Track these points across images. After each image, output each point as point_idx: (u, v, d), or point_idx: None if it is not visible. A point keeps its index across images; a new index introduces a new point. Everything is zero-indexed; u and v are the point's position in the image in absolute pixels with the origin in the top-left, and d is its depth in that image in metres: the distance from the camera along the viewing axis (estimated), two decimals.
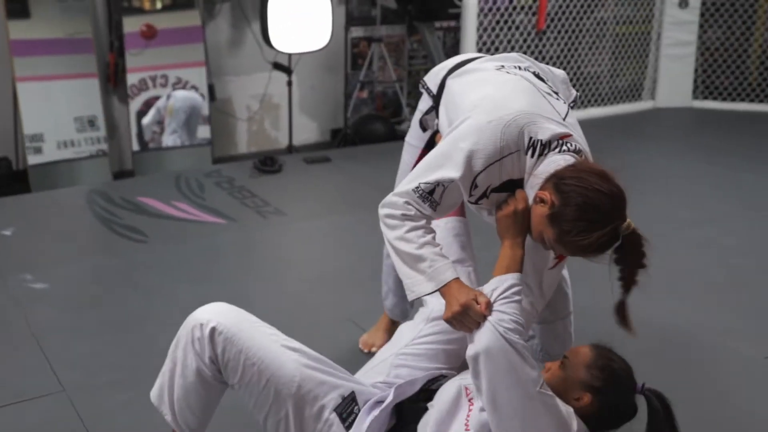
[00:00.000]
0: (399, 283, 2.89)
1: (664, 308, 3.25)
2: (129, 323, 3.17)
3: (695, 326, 3.22)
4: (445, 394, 2.09)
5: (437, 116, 2.39)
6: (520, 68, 2.23)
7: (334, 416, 2.07)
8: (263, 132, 6.23)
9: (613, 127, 6.24)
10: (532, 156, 2.00)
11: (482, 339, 1.92)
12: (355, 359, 2.83)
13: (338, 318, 3.20)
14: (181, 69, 5.40)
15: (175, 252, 3.80)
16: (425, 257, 2.01)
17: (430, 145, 2.53)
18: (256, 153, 5.91)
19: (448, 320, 1.99)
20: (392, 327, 3.03)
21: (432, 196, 2.03)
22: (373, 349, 2.97)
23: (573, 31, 6.41)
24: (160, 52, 5.33)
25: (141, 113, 5.31)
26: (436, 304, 2.31)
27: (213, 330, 2.05)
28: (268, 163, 4.92)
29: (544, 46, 6.40)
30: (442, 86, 2.34)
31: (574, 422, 1.99)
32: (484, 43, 6.06)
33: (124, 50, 5.25)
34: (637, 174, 5.10)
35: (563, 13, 6.34)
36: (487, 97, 2.08)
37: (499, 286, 1.99)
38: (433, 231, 2.07)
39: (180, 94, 5.39)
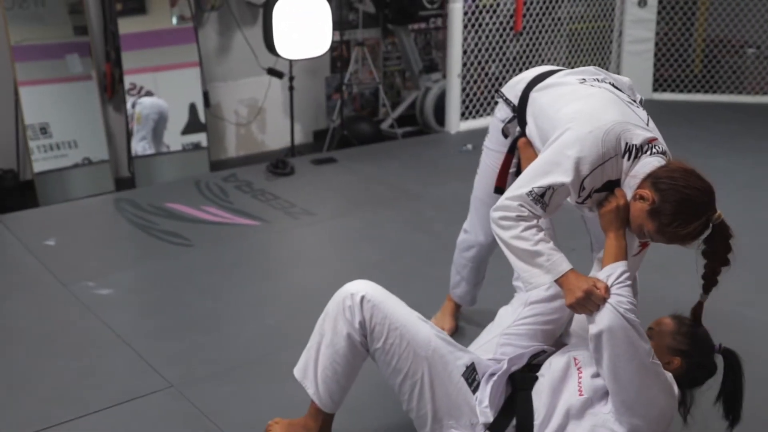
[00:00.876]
0: (474, 272, 3.19)
1: (677, 283, 3.56)
2: (207, 322, 3.37)
3: (712, 299, 3.59)
4: (555, 364, 2.42)
5: (519, 125, 2.71)
6: (598, 80, 2.56)
7: (461, 380, 2.39)
8: (251, 136, 6.42)
9: None
10: (629, 159, 2.32)
11: (604, 319, 2.23)
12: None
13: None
14: (177, 69, 5.53)
15: (223, 253, 4.00)
16: (542, 252, 2.30)
17: (512, 149, 2.83)
18: (245, 157, 6.11)
19: (571, 305, 2.29)
20: (457, 311, 3.33)
21: (543, 199, 2.31)
22: None
23: (538, 30, 6.76)
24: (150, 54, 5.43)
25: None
26: (532, 291, 2.63)
27: (362, 298, 2.38)
28: (280, 165, 5.14)
29: (514, 46, 6.74)
30: (524, 98, 2.66)
31: (676, 386, 2.32)
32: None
33: (121, 60, 5.35)
34: None
35: (529, 12, 6.70)
36: (582, 110, 2.39)
37: (612, 272, 2.29)
38: (542, 229, 2.38)
39: (147, 101, 5.48)
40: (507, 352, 2.56)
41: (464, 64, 6.34)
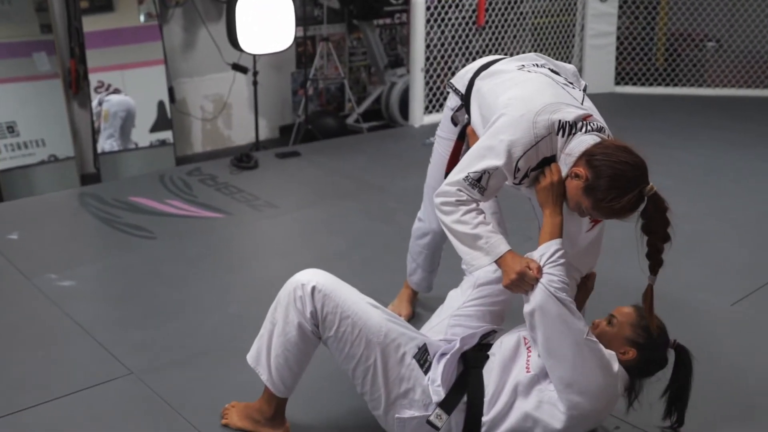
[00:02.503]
0: (429, 259, 3.26)
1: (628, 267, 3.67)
2: (170, 311, 3.41)
3: (663, 282, 3.68)
4: (506, 343, 2.50)
5: (467, 113, 2.80)
6: (537, 66, 2.65)
7: (413, 362, 2.46)
8: (216, 131, 6.45)
9: None
10: (563, 136, 2.40)
11: (536, 298, 2.34)
12: None
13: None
14: (140, 68, 5.56)
15: (187, 245, 4.03)
16: (481, 235, 2.40)
17: (462, 136, 2.91)
18: (211, 152, 6.15)
19: (507, 286, 2.39)
20: (414, 297, 3.40)
21: (480, 183, 2.41)
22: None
23: (501, 24, 6.85)
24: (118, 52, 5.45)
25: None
26: (480, 273, 2.70)
27: (314, 288, 2.43)
28: (244, 159, 5.17)
29: (477, 40, 6.83)
30: (470, 87, 2.75)
31: (616, 364, 2.42)
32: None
33: (86, 57, 5.37)
34: None
35: (492, 7, 6.78)
36: (517, 95, 2.48)
37: (546, 252, 2.39)
38: (483, 212, 2.46)
39: (115, 98, 5.49)
40: (457, 333, 2.64)
41: (428, 59, 6.41)
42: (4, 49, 5.03)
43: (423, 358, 2.47)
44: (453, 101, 2.88)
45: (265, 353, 2.51)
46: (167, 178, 4.94)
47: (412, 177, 5.01)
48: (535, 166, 2.43)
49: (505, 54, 6.88)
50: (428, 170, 3.09)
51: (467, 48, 6.73)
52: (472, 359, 2.51)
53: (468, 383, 2.46)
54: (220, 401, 2.74)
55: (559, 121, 2.38)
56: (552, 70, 2.64)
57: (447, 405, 2.42)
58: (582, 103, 2.49)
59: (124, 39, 5.45)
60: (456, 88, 2.83)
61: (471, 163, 2.43)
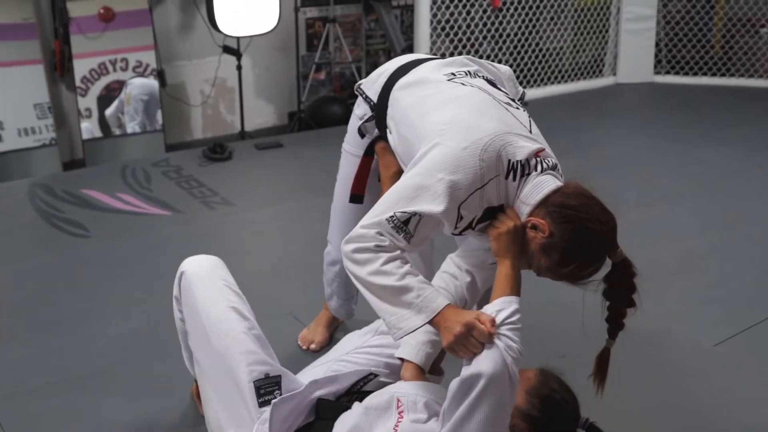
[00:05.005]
0: (344, 287, 2.83)
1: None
2: (64, 324, 3.07)
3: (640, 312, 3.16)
4: (375, 399, 2.02)
5: (378, 128, 2.29)
6: (470, 74, 2.13)
7: (251, 387, 2.03)
8: (218, 117, 6.12)
9: (573, 104, 6.18)
10: (514, 179, 1.90)
11: (489, 363, 1.78)
12: (294, 358, 2.77)
13: (278, 312, 3.12)
14: (132, 53, 5.28)
15: (117, 247, 3.70)
16: (410, 287, 1.86)
17: (369, 152, 2.44)
18: (212, 138, 5.80)
19: (450, 345, 1.83)
20: (333, 323, 2.98)
21: (407, 227, 1.88)
22: (312, 346, 2.91)
23: (531, 7, 6.31)
24: (109, 37, 5.20)
25: (102, 98, 5.19)
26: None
27: (182, 274, 2.21)
28: (217, 150, 4.82)
29: (501, 23, 6.31)
30: (384, 95, 2.21)
31: None
32: (439, 22, 5.95)
33: (70, 37, 5.11)
34: (593, 153, 5.05)
35: None
36: (454, 120, 1.95)
37: (504, 308, 1.87)
38: (407, 261, 1.93)
39: (137, 81, 5.27)
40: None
41: (434, 43, 5.90)
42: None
43: (268, 389, 2.04)
44: (361, 109, 2.36)
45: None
46: (129, 170, 4.62)
47: None
48: (481, 215, 1.93)
49: (525, 38, 6.51)
50: (335, 189, 2.63)
51: (480, 32, 6.22)
52: (323, 408, 2.06)
53: None
54: None
55: (509, 161, 1.89)
56: (488, 80, 2.13)
57: None
58: (530, 130, 1.98)
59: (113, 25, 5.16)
60: (366, 96, 2.30)
61: (399, 201, 1.89)
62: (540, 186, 1.90)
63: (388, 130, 2.20)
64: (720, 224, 3.99)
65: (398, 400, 1.98)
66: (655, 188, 4.45)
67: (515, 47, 6.37)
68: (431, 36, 5.79)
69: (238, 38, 5.16)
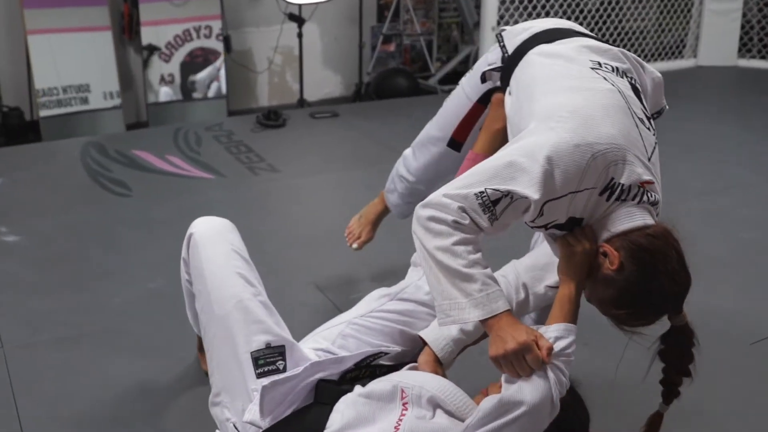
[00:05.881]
0: (408, 193, 2.72)
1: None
2: (89, 280, 3.08)
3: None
4: (378, 386, 1.88)
5: (502, 81, 2.11)
6: (617, 71, 1.91)
7: (248, 357, 1.94)
8: (285, 85, 6.10)
9: None
10: (608, 199, 1.73)
11: (535, 394, 1.67)
12: (307, 328, 2.71)
13: (301, 282, 3.06)
14: (198, 21, 5.30)
15: (156, 208, 3.71)
16: (476, 278, 1.69)
17: (484, 100, 2.28)
18: (277, 106, 5.78)
19: (496, 357, 1.71)
20: (382, 216, 2.89)
21: (494, 207, 1.70)
22: (354, 246, 2.87)
23: None
24: (173, 5, 5.23)
25: (186, 64, 5.27)
26: (414, 283, 2.19)
27: (191, 236, 2.15)
28: (272, 117, 4.79)
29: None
30: (520, 52, 2.03)
31: None
32: None
33: (138, 1, 5.16)
34: (662, 137, 4.80)
35: None
36: (578, 111, 1.75)
37: (563, 337, 1.74)
38: (480, 249, 1.75)
39: None
40: (347, 346, 2.08)
41: (502, 17, 5.72)
42: None
43: (269, 359, 1.95)
44: (493, 55, 2.19)
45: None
46: (182, 133, 4.63)
47: None
48: (563, 222, 1.77)
49: (600, 16, 6.25)
50: (432, 120, 2.49)
51: (560, 6, 6.01)
52: (325, 391, 1.93)
53: (305, 421, 1.90)
54: (70, 392, 2.41)
55: (612, 179, 1.71)
56: (633, 86, 1.91)
57: None
58: (650, 157, 1.80)
59: None
60: (504, 44, 2.10)
61: (492, 178, 1.71)
62: (630, 217, 1.72)
63: (508, 89, 2.02)
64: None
65: (402, 391, 1.84)
66: (721, 177, 4.22)
67: (596, 24, 6.14)
68: (499, 10, 5.60)
69: (300, 5, 5.10)
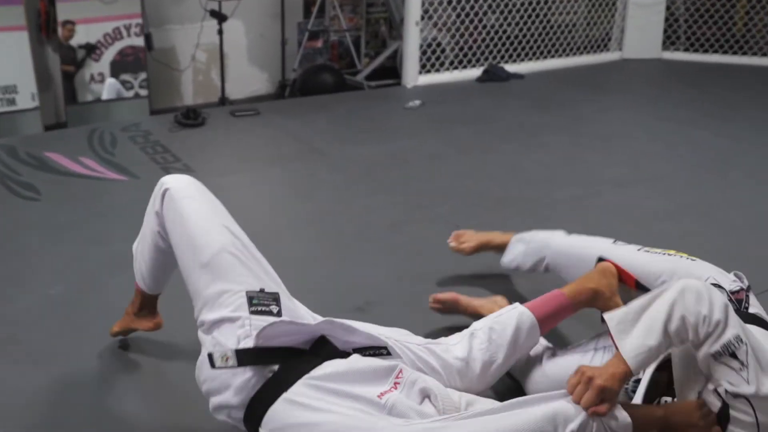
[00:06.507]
0: (534, 254, 2.79)
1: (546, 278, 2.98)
2: None
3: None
4: (378, 361, 1.93)
5: None
6: None
7: (243, 297, 1.94)
8: (210, 83, 6.02)
9: (573, 79, 5.97)
10: None
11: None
12: None
13: None
14: (119, 20, 5.20)
15: (63, 212, 3.61)
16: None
17: None
18: (202, 105, 5.71)
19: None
20: (486, 247, 2.93)
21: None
22: (452, 244, 2.94)
23: None
24: (93, 3, 5.13)
25: (116, 63, 5.20)
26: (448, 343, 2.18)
27: (166, 190, 2.16)
28: (190, 116, 4.71)
29: None
30: None
31: None
32: None
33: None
34: (582, 129, 4.86)
35: None
36: None
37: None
38: None
39: None
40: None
41: (426, 11, 5.70)
42: None
43: (263, 302, 1.95)
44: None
45: (137, 242, 2.35)
46: (97, 134, 4.53)
47: (366, 144, 4.47)
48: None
49: (532, 10, 6.23)
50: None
51: (486, 1, 6.01)
52: (324, 347, 1.93)
53: (290, 361, 1.87)
54: None
55: None
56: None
57: (246, 356, 1.85)
58: None
59: None
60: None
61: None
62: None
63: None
64: (695, 210, 3.78)
65: (400, 371, 1.89)
66: (636, 169, 4.25)
67: (525, 19, 6.16)
68: (423, 4, 5.58)
69: (219, 1, 5.03)
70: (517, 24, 6.15)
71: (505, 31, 6.14)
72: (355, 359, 1.91)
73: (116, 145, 4.37)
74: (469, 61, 6.02)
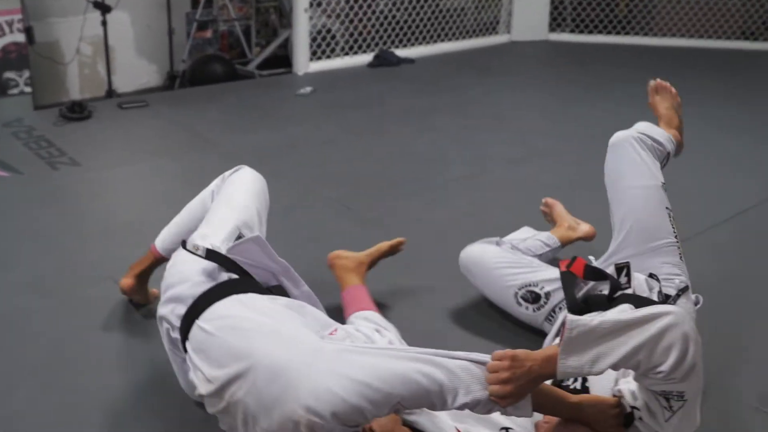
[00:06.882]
0: None
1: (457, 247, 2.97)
2: None
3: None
4: (322, 314, 2.05)
5: None
6: None
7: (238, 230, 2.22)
8: (97, 76, 5.87)
9: (462, 62, 6.06)
10: None
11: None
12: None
13: (101, 276, 2.94)
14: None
15: None
16: None
17: None
18: (90, 99, 5.56)
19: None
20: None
21: None
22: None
23: None
24: None
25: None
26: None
27: (240, 168, 2.49)
28: (76, 109, 4.59)
29: None
30: None
31: None
32: None
33: None
34: (471, 110, 4.93)
35: None
36: None
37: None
38: None
39: None
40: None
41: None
42: None
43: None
44: None
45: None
46: None
47: (257, 132, 4.44)
48: None
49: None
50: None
51: None
52: (277, 288, 2.12)
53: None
54: None
55: None
56: None
57: (214, 256, 2.06)
58: None
59: None
60: None
61: None
62: None
63: None
64: (584, 183, 3.88)
65: (335, 329, 1.96)
66: (524, 146, 4.35)
67: (411, 3, 6.21)
68: None
69: None
70: (406, 9, 6.20)
71: (394, 17, 6.18)
72: (305, 305, 2.04)
73: None
74: (360, 47, 6.04)
